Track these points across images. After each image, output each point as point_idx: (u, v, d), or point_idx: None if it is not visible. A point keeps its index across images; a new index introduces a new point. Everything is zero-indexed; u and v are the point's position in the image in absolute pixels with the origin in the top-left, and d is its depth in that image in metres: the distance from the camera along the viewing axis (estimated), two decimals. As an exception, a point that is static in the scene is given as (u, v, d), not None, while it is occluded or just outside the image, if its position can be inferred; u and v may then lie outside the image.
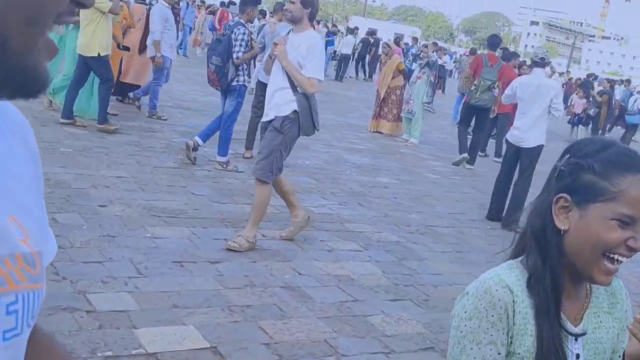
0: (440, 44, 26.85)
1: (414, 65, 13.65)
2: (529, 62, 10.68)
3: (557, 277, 1.33)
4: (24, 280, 0.70)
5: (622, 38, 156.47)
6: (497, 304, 1.32)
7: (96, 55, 7.99)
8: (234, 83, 7.51)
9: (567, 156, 1.36)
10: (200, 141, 7.59)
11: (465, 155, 10.59)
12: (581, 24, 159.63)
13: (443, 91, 24.63)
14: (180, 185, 6.66)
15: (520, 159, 7.44)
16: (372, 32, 27.60)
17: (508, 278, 1.37)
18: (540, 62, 7.45)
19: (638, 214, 1.27)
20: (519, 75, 11.99)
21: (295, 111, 5.19)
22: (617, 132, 22.41)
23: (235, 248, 5.10)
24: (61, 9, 0.62)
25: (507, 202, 7.55)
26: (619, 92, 25.19)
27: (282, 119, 5.19)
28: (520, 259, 1.42)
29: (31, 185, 0.76)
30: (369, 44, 25.48)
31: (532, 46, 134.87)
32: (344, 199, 7.31)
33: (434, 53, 12.92)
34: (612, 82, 21.79)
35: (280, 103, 5.20)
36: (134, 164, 7.12)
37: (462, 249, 6.39)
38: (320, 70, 5.30)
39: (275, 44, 5.30)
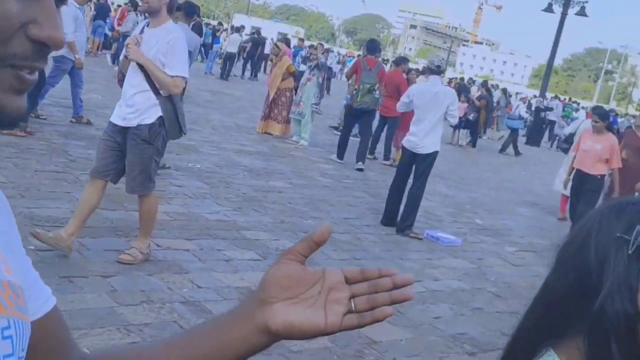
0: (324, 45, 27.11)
1: (302, 67, 13.58)
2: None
3: None
4: (13, 307, 0.70)
5: (493, 44, 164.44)
6: None
7: None
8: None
9: (638, 229, 1.03)
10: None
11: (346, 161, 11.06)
12: (456, 29, 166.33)
13: (328, 92, 24.79)
14: (65, 190, 6.23)
15: (415, 165, 7.50)
16: (257, 31, 27.39)
17: None
18: (436, 70, 7.55)
19: None
20: (407, 80, 12.22)
21: (160, 117, 4.73)
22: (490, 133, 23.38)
23: (128, 261, 4.79)
24: (10, 46, 0.60)
25: (402, 207, 7.58)
26: (494, 96, 26.32)
27: (148, 128, 4.70)
28: (550, 352, 1.08)
29: (6, 224, 0.76)
30: (257, 43, 25.29)
31: (410, 49, 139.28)
32: (238, 204, 7.09)
33: (322, 55, 12.90)
34: (487, 87, 22.63)
35: (143, 109, 4.69)
36: (12, 167, 6.60)
37: (360, 255, 6.35)
38: (184, 66, 4.81)
39: (128, 45, 4.76)
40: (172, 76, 4.67)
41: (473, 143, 18.73)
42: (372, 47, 11.53)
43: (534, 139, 24.58)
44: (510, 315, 5.67)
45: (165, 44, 4.63)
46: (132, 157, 4.73)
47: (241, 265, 5.33)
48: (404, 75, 12.53)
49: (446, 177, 11.95)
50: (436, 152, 7.48)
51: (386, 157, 12.12)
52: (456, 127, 17.79)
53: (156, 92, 4.66)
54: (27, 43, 0.61)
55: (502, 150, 19.41)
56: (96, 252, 4.94)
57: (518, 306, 5.92)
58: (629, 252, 1.02)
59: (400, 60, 13.17)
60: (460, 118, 17.74)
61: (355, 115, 11.14)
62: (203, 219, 6.29)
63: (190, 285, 4.72)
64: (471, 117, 18.27)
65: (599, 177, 8.07)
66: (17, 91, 0.62)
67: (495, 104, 22.18)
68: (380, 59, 12.26)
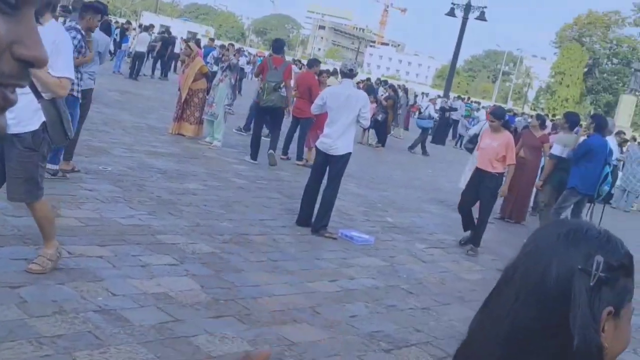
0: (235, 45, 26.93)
1: (214, 68, 13.48)
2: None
3: None
4: None
5: (398, 45, 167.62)
6: None
7: None
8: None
9: (601, 259, 1.08)
10: (53, 166, 7.10)
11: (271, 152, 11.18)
12: (363, 30, 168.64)
13: (240, 92, 24.68)
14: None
15: (329, 166, 7.59)
16: (166, 30, 26.93)
17: None
18: (349, 73, 7.66)
19: None
20: (319, 82, 12.35)
21: (44, 122, 4.50)
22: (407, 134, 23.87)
23: (38, 271, 4.62)
24: (2, 69, 0.61)
25: (316, 207, 7.66)
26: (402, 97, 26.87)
27: (31, 135, 4.48)
28: None
29: None
30: (167, 42, 24.87)
31: (319, 49, 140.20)
32: (152, 207, 6.98)
33: (234, 56, 12.85)
34: (394, 88, 23.03)
35: (25, 115, 4.40)
36: None
37: (276, 257, 6.38)
38: (70, 67, 4.67)
39: None
40: (57, 77, 4.49)
41: (382, 142, 19.06)
42: (278, 46, 11.76)
43: (439, 138, 25.27)
44: (422, 311, 5.84)
45: (50, 43, 4.41)
46: (15, 165, 4.50)
47: (158, 271, 5.26)
48: (316, 77, 12.69)
49: (357, 176, 12.14)
50: (349, 154, 7.61)
51: (299, 157, 12.21)
52: (365, 128, 18.06)
53: (38, 94, 4.23)
54: (13, 62, 0.62)
55: (412, 148, 19.85)
56: (3, 261, 4.75)
57: (429, 302, 6.11)
58: (591, 284, 1.06)
59: (313, 62, 13.44)
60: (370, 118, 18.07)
61: (263, 114, 11.34)
62: (116, 224, 6.16)
63: (105, 293, 4.62)
64: (380, 117, 18.59)
65: (496, 175, 8.30)
66: (1, 109, 0.63)
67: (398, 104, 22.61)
68: (286, 59, 12.45)
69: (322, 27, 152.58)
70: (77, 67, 7.16)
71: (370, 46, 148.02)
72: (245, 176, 9.84)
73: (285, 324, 4.88)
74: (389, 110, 19.34)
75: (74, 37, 6.75)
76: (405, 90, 26.11)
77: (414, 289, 6.41)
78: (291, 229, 7.49)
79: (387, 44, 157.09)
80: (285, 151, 12.34)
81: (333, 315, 5.26)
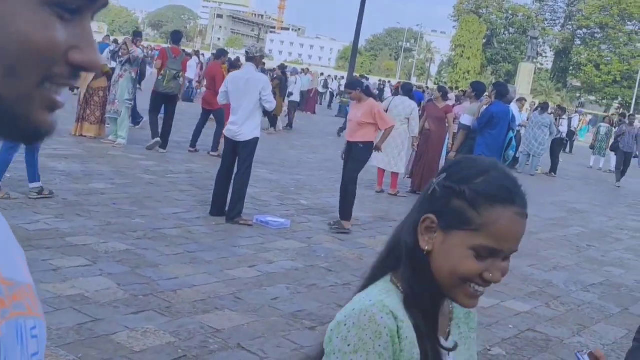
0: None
1: (113, 64, 13.12)
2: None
3: (432, 296, 1.30)
4: (37, 309, 0.75)
5: (299, 29, 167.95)
6: (384, 332, 1.21)
7: None
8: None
9: (443, 176, 1.31)
10: (36, 185, 7.06)
11: (158, 139, 11.45)
12: (262, 16, 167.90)
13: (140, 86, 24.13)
14: None
15: (238, 153, 7.57)
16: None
17: (390, 303, 1.26)
18: (251, 57, 7.63)
19: (498, 246, 1.24)
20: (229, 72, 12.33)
21: None
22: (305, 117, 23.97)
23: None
24: (51, 69, 0.63)
25: (229, 196, 7.63)
26: (306, 81, 26.97)
27: None
28: (389, 277, 1.34)
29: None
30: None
31: (219, 38, 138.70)
32: (59, 211, 6.78)
33: (135, 48, 12.55)
34: (283, 69, 22.13)
35: None
36: None
37: (193, 248, 6.33)
38: None
39: None
40: None
41: (273, 125, 18.61)
42: (176, 37, 12.57)
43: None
44: (343, 287, 5.94)
45: None
46: None
47: (71, 273, 5.13)
48: (222, 67, 12.69)
49: (268, 162, 12.15)
50: (256, 139, 7.59)
51: (214, 148, 12.10)
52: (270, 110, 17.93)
53: None
54: (67, 66, 0.64)
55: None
56: None
57: (349, 278, 6.22)
58: (428, 192, 1.32)
59: (220, 53, 13.63)
60: None
61: (160, 100, 11.78)
62: (22, 230, 5.95)
63: (17, 300, 4.48)
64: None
65: (360, 145, 8.09)
66: (51, 110, 0.66)
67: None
68: (183, 50, 13.20)
69: (220, 16, 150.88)
70: None
71: (271, 32, 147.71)
72: (154, 171, 9.67)
73: (207, 313, 4.87)
74: (276, 91, 18.79)
75: None
76: (305, 72, 26.04)
77: (334, 266, 6.51)
78: (206, 220, 7.44)
79: (287, 29, 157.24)
80: (193, 143, 12.22)
81: (255, 300, 5.28)
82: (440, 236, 1.27)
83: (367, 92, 8.31)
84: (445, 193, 1.27)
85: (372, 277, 1.38)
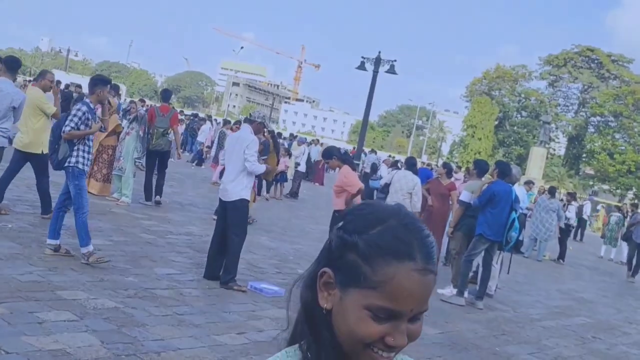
0: (148, 101, 26.74)
1: (124, 122, 13.31)
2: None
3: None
4: None
5: (313, 101, 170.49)
6: None
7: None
8: (66, 164, 6.99)
9: (340, 224, 1.19)
10: (53, 241, 7.03)
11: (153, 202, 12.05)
12: (278, 86, 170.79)
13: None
14: None
15: (227, 214, 7.53)
16: (78, 85, 26.54)
17: None
18: (249, 120, 7.80)
19: (396, 307, 1.09)
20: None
21: None
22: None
23: None
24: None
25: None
26: (314, 152, 27.21)
27: None
28: (298, 345, 1.22)
29: None
30: (73, 98, 24.38)
31: (234, 106, 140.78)
32: (54, 264, 6.75)
33: (142, 108, 12.77)
34: (273, 134, 21.96)
35: None
36: None
37: (183, 311, 6.25)
38: None
39: None
40: None
41: (295, 195, 18.92)
42: (166, 96, 13.33)
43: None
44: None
45: None
46: None
47: (55, 327, 5.06)
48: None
49: (269, 229, 12.13)
50: (244, 200, 7.50)
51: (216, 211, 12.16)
52: (277, 181, 17.97)
53: None
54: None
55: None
56: None
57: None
58: (327, 243, 1.20)
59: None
60: (282, 172, 18.02)
61: (152, 157, 12.27)
62: (14, 281, 5.92)
63: (-3, 351, 4.41)
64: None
65: (336, 213, 8.04)
66: None
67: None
68: (172, 106, 13.70)
69: (236, 84, 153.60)
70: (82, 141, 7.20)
71: (285, 102, 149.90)
72: (153, 231, 9.66)
73: (190, 378, 4.77)
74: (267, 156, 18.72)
75: (78, 109, 7.08)
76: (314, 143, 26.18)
77: (323, 338, 6.38)
78: (199, 283, 7.37)
79: (302, 100, 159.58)
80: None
81: (240, 368, 5.17)
82: (338, 293, 1.14)
83: (344, 158, 8.33)
84: (340, 244, 1.15)
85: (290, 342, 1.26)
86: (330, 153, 8.52)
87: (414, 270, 1.10)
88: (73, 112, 7.01)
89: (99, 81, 7.35)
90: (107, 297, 6.05)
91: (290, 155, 19.16)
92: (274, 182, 18.12)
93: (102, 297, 6.05)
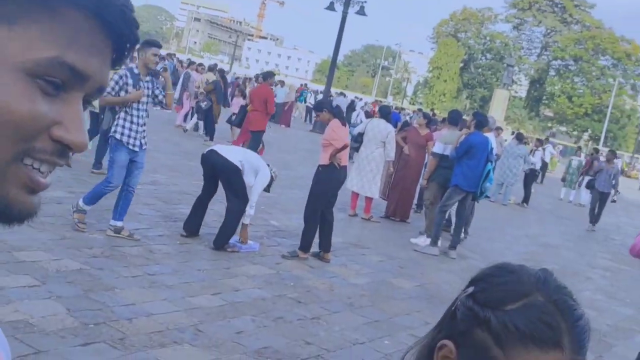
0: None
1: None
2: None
3: None
4: None
5: (277, 39, 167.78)
6: None
7: None
8: (111, 133, 6.53)
9: (470, 290, 0.95)
10: (83, 204, 6.53)
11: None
12: (240, 23, 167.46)
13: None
14: None
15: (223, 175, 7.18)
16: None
17: None
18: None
19: None
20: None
21: None
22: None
23: None
24: (31, 142, 0.61)
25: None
26: (282, 93, 26.63)
27: None
28: None
29: None
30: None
31: (195, 42, 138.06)
32: (11, 220, 6.29)
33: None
34: (222, 72, 20.77)
35: None
36: None
37: (154, 270, 5.89)
38: None
39: None
40: None
41: (210, 135, 17.38)
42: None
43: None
44: (312, 321, 5.56)
45: None
46: None
47: (15, 294, 4.67)
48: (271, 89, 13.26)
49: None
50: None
51: None
52: (232, 123, 17.21)
53: None
54: (49, 142, 0.62)
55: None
56: None
57: (319, 311, 5.84)
58: (452, 308, 0.97)
59: (267, 75, 13.83)
60: (235, 114, 17.34)
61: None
62: (-32, 241, 5.48)
63: (-49, 324, 4.02)
64: (204, 105, 17.15)
65: (320, 168, 7.63)
66: (30, 191, 0.63)
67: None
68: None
69: (197, 20, 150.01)
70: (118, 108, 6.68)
71: (249, 40, 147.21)
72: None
73: (164, 347, 4.46)
74: (212, 97, 17.85)
75: (114, 75, 6.46)
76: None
77: (303, 297, 6.12)
78: (170, 238, 7.00)
79: (265, 38, 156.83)
80: None
81: (217, 333, 4.87)
82: None
83: (336, 111, 7.91)
84: (468, 317, 0.92)
85: None
86: (321, 105, 8.14)
87: None
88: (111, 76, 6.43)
89: (143, 43, 6.67)
90: (70, 258, 5.65)
91: (245, 96, 18.24)
92: (230, 125, 17.49)
93: (65, 257, 5.64)
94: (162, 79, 7.10)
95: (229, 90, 21.45)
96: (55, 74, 0.61)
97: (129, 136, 6.52)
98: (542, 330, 0.87)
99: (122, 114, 6.53)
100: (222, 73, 19.94)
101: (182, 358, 4.36)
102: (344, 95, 31.12)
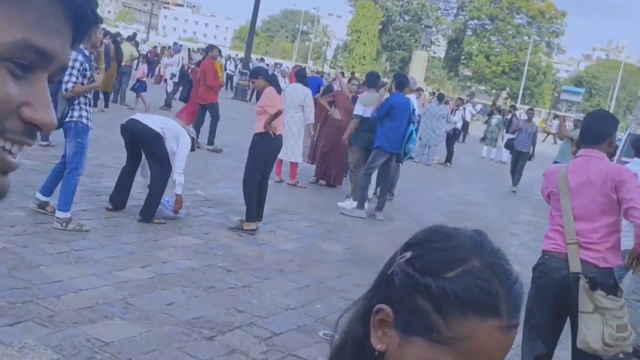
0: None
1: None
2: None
3: None
4: None
5: (194, 6, 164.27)
6: None
7: None
8: (67, 119, 6.08)
9: (408, 255, 0.95)
10: (42, 197, 6.24)
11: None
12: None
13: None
14: None
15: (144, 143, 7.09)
16: None
17: None
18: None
19: None
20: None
21: None
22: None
23: None
24: (2, 124, 0.62)
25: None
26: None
27: None
28: None
29: None
30: None
31: (110, 12, 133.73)
32: None
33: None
34: (115, 38, 20.25)
35: None
36: None
37: (80, 246, 5.82)
38: None
39: None
40: None
41: (106, 102, 16.94)
42: None
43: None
44: (243, 289, 5.62)
45: None
46: None
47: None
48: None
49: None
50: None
51: (210, 142, 12.92)
52: (136, 90, 17.12)
53: None
54: (19, 122, 0.63)
55: None
56: None
57: (250, 279, 5.90)
58: (387, 272, 0.97)
59: (210, 48, 14.06)
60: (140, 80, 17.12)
61: None
62: None
63: None
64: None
65: (255, 137, 7.66)
66: (2, 172, 0.64)
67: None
68: None
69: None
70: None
71: (164, 8, 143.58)
72: (37, 156, 8.91)
73: (95, 322, 4.43)
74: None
75: (75, 59, 6.04)
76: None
77: (233, 266, 6.16)
78: (94, 213, 6.90)
79: (182, 5, 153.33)
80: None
81: (148, 306, 4.87)
82: (396, 337, 0.94)
83: (271, 79, 7.88)
84: (407, 284, 0.92)
85: None
86: (256, 72, 8.08)
87: (498, 328, 0.89)
88: (70, 64, 6.11)
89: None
90: (-11, 237, 5.51)
91: (148, 62, 17.92)
92: (135, 92, 17.15)
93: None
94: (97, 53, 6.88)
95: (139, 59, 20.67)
96: (23, 56, 0.62)
97: (90, 120, 6.39)
98: (480, 297, 0.88)
99: (82, 99, 6.32)
100: (114, 37, 19.38)
101: (113, 332, 4.35)
102: (263, 60, 30.84)
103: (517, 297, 0.92)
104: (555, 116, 26.02)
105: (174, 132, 7.20)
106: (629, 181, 3.69)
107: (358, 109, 9.96)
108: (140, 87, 17.11)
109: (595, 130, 3.94)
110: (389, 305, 0.94)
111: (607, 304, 3.66)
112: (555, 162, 13.25)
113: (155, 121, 7.15)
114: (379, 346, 0.95)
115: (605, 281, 3.71)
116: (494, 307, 0.89)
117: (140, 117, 7.22)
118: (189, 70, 17.96)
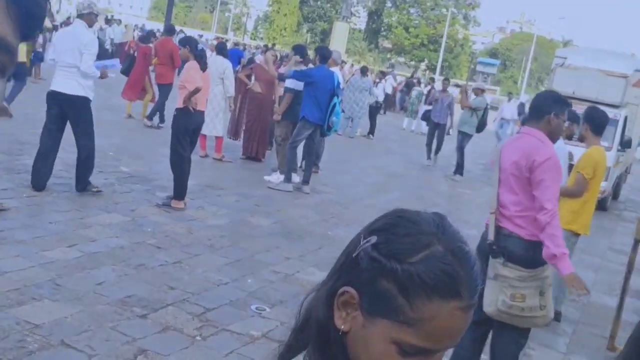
0: None
1: None
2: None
3: None
4: None
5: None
6: None
7: None
8: None
9: (373, 239, 0.99)
10: None
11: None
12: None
13: None
14: None
15: (69, 111, 6.98)
16: None
17: None
18: (78, 14, 7.13)
19: (431, 346, 0.96)
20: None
21: None
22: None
23: None
24: None
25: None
26: (119, 32, 25.55)
27: None
28: (303, 354, 1.06)
29: None
30: None
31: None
32: None
33: None
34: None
35: None
36: None
37: (2, 226, 5.66)
38: None
39: None
40: None
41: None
42: None
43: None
44: (174, 265, 5.59)
45: None
46: None
47: None
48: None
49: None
50: (84, 98, 7.04)
51: (150, 117, 12.87)
52: (32, 61, 16.62)
53: None
54: None
55: None
56: None
57: (180, 255, 5.87)
58: (351, 255, 1.01)
59: (171, 28, 14.27)
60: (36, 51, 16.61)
61: None
62: None
63: None
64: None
65: (175, 112, 7.53)
66: None
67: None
68: None
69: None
70: None
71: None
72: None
73: (23, 305, 4.34)
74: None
75: None
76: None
77: (162, 243, 6.11)
78: (15, 192, 6.68)
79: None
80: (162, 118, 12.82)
81: (77, 286, 4.80)
82: (360, 318, 0.98)
83: (198, 54, 7.74)
84: (373, 267, 0.96)
85: (283, 357, 1.09)
86: (185, 42, 7.96)
87: (459, 308, 0.95)
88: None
89: None
90: None
91: (51, 30, 17.22)
92: (30, 64, 16.64)
93: None
94: None
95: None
96: None
97: None
98: (443, 281, 0.93)
99: None
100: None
101: (43, 314, 4.27)
102: (183, 32, 30.20)
103: (476, 278, 0.97)
104: (457, 85, 26.34)
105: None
106: (539, 167, 3.82)
107: (290, 82, 9.94)
108: (36, 59, 16.49)
109: (534, 108, 4.10)
110: (353, 287, 0.98)
111: (504, 272, 3.86)
112: (458, 131, 13.69)
113: (72, 85, 6.94)
114: (342, 326, 1.00)
115: (516, 251, 3.89)
116: (456, 290, 0.94)
117: (58, 86, 7.01)
118: (132, 45, 17.72)
